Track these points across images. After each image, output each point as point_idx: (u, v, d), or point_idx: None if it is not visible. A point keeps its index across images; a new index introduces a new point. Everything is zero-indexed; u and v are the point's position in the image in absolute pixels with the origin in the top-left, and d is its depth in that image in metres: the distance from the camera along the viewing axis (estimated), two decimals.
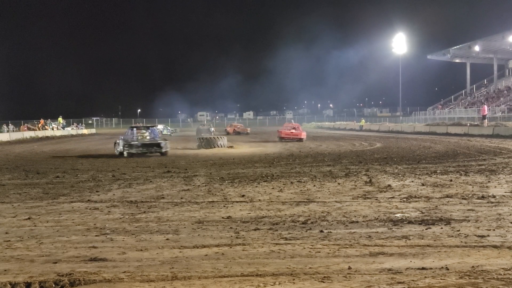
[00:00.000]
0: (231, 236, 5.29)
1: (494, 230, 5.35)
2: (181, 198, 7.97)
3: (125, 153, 17.12)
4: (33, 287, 3.76)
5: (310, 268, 4.11)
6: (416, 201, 7.23)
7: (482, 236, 5.07)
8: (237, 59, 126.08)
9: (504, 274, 3.85)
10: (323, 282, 3.77)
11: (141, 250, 4.80)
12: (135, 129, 18.86)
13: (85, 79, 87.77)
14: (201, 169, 12.63)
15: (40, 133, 40.33)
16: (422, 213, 6.34)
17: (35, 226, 6.01)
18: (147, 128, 19.62)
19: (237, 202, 7.49)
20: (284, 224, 5.85)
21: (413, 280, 3.74)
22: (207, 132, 32.16)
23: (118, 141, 18.06)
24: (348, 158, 15.11)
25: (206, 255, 4.57)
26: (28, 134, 38.34)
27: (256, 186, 9.14)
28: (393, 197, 7.63)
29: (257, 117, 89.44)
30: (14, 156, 19.01)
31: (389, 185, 8.86)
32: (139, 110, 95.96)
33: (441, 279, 3.77)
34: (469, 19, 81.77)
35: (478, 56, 55.05)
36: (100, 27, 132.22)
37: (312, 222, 5.91)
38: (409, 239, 5.00)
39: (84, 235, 5.50)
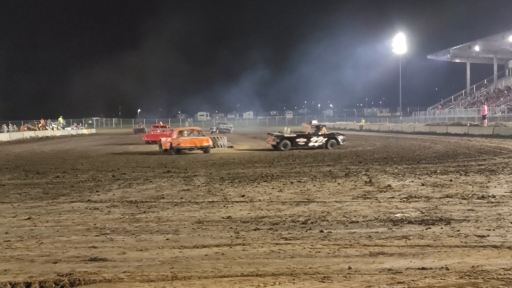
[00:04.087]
0: (231, 236, 5.29)
1: (494, 230, 5.35)
2: (181, 198, 7.97)
3: None
4: (33, 287, 3.76)
5: (310, 268, 4.11)
6: (416, 201, 7.23)
7: (482, 236, 5.07)
8: (237, 59, 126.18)
9: (504, 274, 3.85)
10: (323, 282, 3.77)
11: (141, 250, 4.80)
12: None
13: (85, 79, 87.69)
14: (201, 169, 12.63)
15: (40, 133, 40.34)
16: (422, 213, 6.34)
17: (35, 226, 6.02)
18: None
19: (237, 202, 7.49)
20: (284, 224, 5.86)
21: (413, 280, 3.74)
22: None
23: None
24: (348, 158, 15.10)
25: (206, 255, 4.58)
26: (28, 134, 38.34)
27: (256, 186, 9.14)
28: (393, 197, 7.63)
29: (257, 117, 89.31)
30: (14, 156, 19.01)
31: (389, 185, 8.86)
32: (139, 110, 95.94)
33: (441, 279, 3.77)
34: (469, 19, 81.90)
35: (478, 56, 55.08)
36: (100, 27, 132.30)
37: (312, 222, 5.91)
38: (409, 239, 5.00)
39: (84, 235, 5.50)
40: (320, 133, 19.52)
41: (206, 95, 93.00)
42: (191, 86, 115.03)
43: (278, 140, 19.39)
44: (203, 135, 19.61)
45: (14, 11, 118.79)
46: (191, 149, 18.98)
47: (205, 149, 18.99)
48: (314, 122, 21.47)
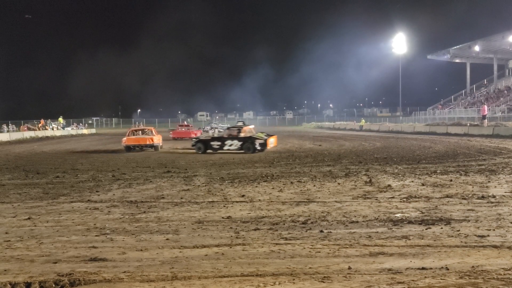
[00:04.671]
0: (231, 236, 5.29)
1: (494, 230, 5.35)
2: (181, 198, 7.98)
3: None
4: (33, 287, 3.76)
5: (310, 268, 4.11)
6: (416, 201, 7.23)
7: (482, 236, 5.07)
8: (236, 59, 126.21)
9: (504, 274, 3.85)
10: (323, 282, 3.77)
11: (141, 250, 4.80)
12: None
13: (85, 79, 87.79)
14: (201, 169, 12.64)
15: (40, 133, 40.35)
16: (422, 213, 6.34)
17: (35, 226, 6.02)
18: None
19: (237, 202, 7.50)
20: (284, 224, 5.86)
21: (413, 280, 3.74)
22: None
23: None
24: (348, 158, 15.10)
25: (206, 255, 4.58)
26: (28, 134, 38.35)
27: (256, 186, 9.14)
28: (393, 197, 7.63)
29: (257, 117, 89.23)
30: (14, 156, 19.01)
31: (389, 185, 8.86)
32: (139, 110, 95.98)
33: (441, 279, 3.77)
34: (469, 19, 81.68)
35: (478, 56, 55.06)
36: (99, 27, 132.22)
37: (312, 222, 5.91)
38: (409, 239, 5.00)
39: (84, 235, 5.50)
40: (240, 136, 18.37)
41: (206, 95, 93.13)
42: (191, 86, 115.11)
43: (193, 143, 19.31)
44: (153, 135, 21.10)
45: (14, 10, 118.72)
46: (139, 146, 20.81)
47: (154, 147, 20.69)
48: (239, 123, 20.64)
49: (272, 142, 19.16)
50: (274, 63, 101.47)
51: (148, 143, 20.53)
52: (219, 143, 18.53)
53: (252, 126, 21.32)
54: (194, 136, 31.04)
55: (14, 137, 35.36)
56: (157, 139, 21.04)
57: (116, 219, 6.33)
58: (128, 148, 20.58)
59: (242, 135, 18.45)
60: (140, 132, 22.10)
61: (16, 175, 11.87)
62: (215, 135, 23.43)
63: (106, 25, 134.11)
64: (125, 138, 20.95)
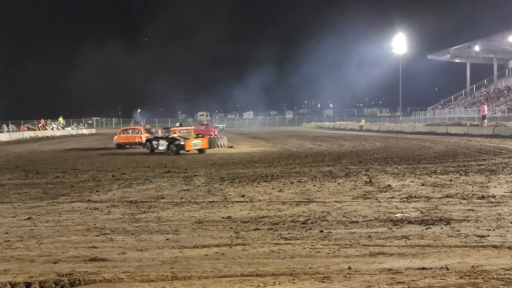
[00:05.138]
0: (231, 236, 5.29)
1: (494, 230, 5.35)
2: (181, 198, 7.98)
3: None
4: (33, 287, 3.76)
5: (310, 268, 4.11)
6: (416, 201, 7.23)
7: (482, 236, 5.07)
8: (237, 59, 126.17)
9: (504, 274, 3.85)
10: (323, 282, 3.77)
11: (141, 250, 4.80)
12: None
13: (85, 79, 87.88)
14: (201, 169, 12.64)
15: (40, 133, 40.37)
16: (422, 213, 6.34)
17: (35, 226, 6.02)
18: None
19: (237, 202, 7.49)
20: (284, 224, 5.86)
21: (413, 280, 3.74)
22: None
23: None
24: (348, 158, 15.10)
25: (206, 255, 4.58)
26: (28, 134, 38.37)
27: (256, 186, 9.14)
28: (393, 197, 7.63)
29: (257, 117, 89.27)
30: (14, 156, 19.01)
31: (389, 185, 8.85)
32: (139, 110, 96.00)
33: (441, 279, 3.77)
34: (469, 19, 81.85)
35: (478, 56, 55.08)
36: (99, 27, 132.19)
37: (312, 222, 5.91)
38: (409, 239, 5.00)
39: (84, 235, 5.50)
40: (168, 137, 18.70)
41: (206, 95, 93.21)
42: (191, 86, 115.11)
43: (144, 142, 20.07)
44: (141, 134, 22.86)
45: (14, 10, 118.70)
46: (129, 144, 22.79)
47: (142, 145, 21.94)
48: (177, 124, 21.11)
49: (196, 144, 18.45)
50: (274, 63, 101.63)
51: (136, 141, 22.51)
52: (156, 142, 19.17)
53: (191, 127, 21.74)
54: (213, 133, 31.59)
55: (14, 137, 35.38)
56: (145, 138, 22.40)
57: (116, 219, 6.33)
58: (119, 146, 22.70)
59: (172, 136, 18.79)
60: (129, 131, 24.01)
61: (16, 175, 11.87)
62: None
63: (106, 26, 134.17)
64: (116, 137, 23.16)
